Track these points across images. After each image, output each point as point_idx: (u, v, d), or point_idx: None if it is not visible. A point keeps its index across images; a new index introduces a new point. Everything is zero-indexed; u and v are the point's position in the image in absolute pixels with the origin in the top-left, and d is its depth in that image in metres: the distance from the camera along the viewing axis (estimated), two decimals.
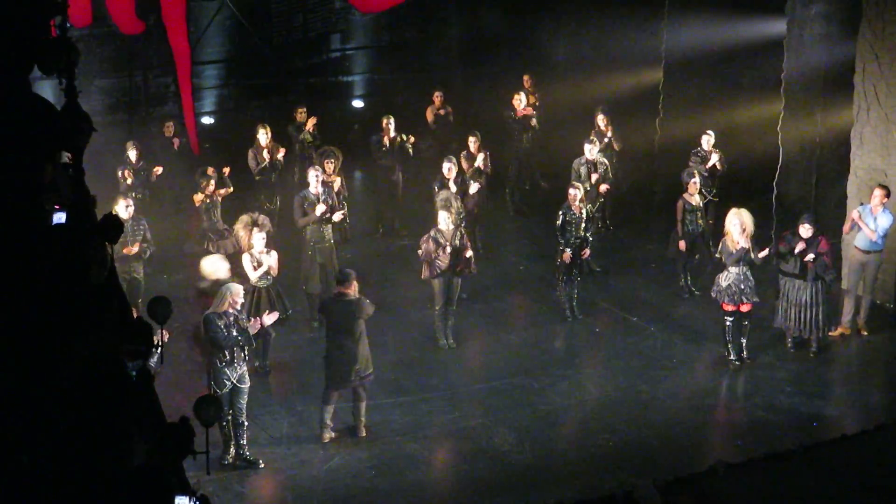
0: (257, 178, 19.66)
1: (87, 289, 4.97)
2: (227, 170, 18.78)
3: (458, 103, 23.59)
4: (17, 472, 4.73)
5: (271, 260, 15.19)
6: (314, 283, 16.72)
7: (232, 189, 18.27)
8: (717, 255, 16.85)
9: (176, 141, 21.06)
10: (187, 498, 5.38)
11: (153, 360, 12.00)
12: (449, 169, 18.42)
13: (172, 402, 12.04)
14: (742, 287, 15.52)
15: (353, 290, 13.69)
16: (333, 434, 13.59)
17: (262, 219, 15.67)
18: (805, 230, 15.67)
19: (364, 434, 13.73)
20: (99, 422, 4.90)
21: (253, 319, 13.31)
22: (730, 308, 15.66)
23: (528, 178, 23.11)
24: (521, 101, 22.26)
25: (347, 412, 14.07)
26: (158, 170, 19.59)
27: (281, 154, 19.91)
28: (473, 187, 18.64)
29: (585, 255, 17.30)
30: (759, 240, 16.02)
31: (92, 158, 5.66)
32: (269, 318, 13.74)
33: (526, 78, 23.71)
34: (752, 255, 15.50)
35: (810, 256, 15.56)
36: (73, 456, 4.84)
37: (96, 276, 5.02)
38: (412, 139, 20.82)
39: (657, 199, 21.84)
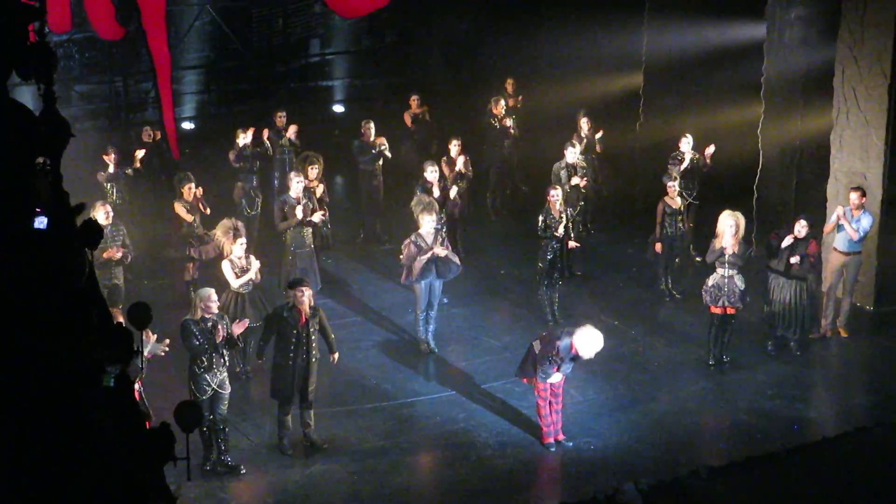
0: (239, 164, 19.56)
1: (65, 295, 4.95)
2: (199, 191, 18.30)
3: (438, 108, 23.61)
4: None
5: (254, 267, 15.13)
6: None
7: (208, 210, 17.95)
8: (698, 259, 16.88)
9: (157, 133, 21.00)
10: None
11: (136, 366, 11.98)
12: (432, 172, 18.41)
13: (153, 407, 12.09)
14: (724, 290, 15.53)
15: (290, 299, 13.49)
16: (289, 446, 13.49)
17: (241, 225, 15.65)
18: (800, 227, 15.70)
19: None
20: (75, 429, 4.88)
21: (220, 326, 13.16)
22: (713, 310, 15.69)
23: (508, 182, 23.14)
24: (500, 106, 22.30)
25: (327, 418, 14.10)
26: (140, 153, 19.45)
27: (265, 134, 19.90)
28: (453, 191, 18.63)
29: (571, 246, 17.27)
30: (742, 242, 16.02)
31: (71, 164, 5.64)
32: (238, 328, 13.52)
33: (509, 81, 23.76)
34: (739, 260, 15.50)
35: (796, 259, 15.58)
36: (49, 462, 4.82)
37: (75, 282, 5.00)
38: (384, 141, 20.72)
39: (638, 202, 21.89)
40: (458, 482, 12.96)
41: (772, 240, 16.11)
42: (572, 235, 17.40)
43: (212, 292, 13.24)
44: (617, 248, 20.78)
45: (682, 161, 19.12)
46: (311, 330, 13.36)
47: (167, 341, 12.81)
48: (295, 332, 13.25)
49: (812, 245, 15.87)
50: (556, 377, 13.35)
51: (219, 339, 12.95)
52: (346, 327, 17.13)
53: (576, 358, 13.23)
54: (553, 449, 13.58)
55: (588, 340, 13.05)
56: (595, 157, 21.18)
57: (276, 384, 13.40)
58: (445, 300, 17.27)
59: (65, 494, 4.86)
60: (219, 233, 15.51)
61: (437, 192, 18.12)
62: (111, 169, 19.02)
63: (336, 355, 13.89)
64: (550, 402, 13.54)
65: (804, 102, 19.14)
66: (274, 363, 13.43)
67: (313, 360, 13.37)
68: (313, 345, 13.37)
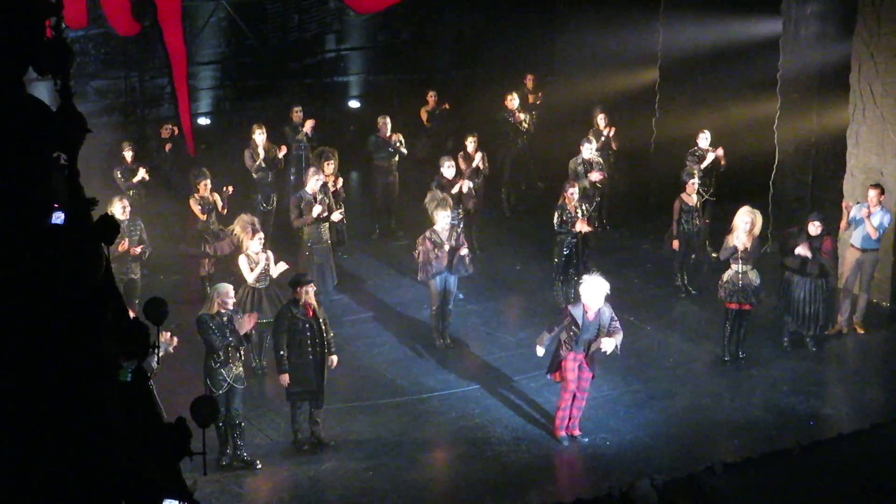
0: (255, 175, 19.59)
1: (82, 290, 4.96)
2: (229, 189, 18.45)
3: (453, 104, 23.60)
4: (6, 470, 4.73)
5: (262, 260, 15.14)
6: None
7: (225, 210, 17.92)
8: (713, 255, 16.83)
9: (168, 146, 21.08)
10: (177, 502, 5.37)
11: (152, 361, 12.02)
12: (449, 168, 18.40)
13: (169, 403, 12.12)
14: (739, 286, 15.51)
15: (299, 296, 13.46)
16: (304, 441, 13.54)
17: (256, 221, 15.67)
18: (814, 227, 15.70)
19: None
20: (91, 423, 4.90)
21: (239, 319, 13.18)
22: (728, 306, 15.67)
23: (524, 178, 23.12)
24: (514, 102, 22.27)
25: (342, 413, 14.13)
26: (143, 173, 19.44)
27: (282, 153, 19.85)
28: (465, 185, 18.59)
29: (585, 231, 17.22)
30: (757, 239, 15.99)
31: (88, 160, 5.66)
32: (249, 322, 13.47)
33: (529, 77, 23.74)
34: (750, 253, 15.48)
35: (806, 251, 15.56)
36: (64, 457, 4.83)
37: (92, 277, 5.02)
38: (401, 137, 20.73)
39: (653, 198, 21.86)
40: (472, 478, 12.97)
41: (786, 238, 16.11)
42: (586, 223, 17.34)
43: (230, 288, 13.26)
44: (632, 243, 20.75)
45: (703, 159, 19.11)
46: (321, 321, 13.43)
47: (176, 340, 12.77)
48: (308, 325, 13.27)
49: (827, 242, 15.84)
50: (569, 362, 13.43)
51: (242, 331, 13.00)
52: (361, 323, 17.16)
53: (591, 326, 13.41)
54: (565, 444, 13.61)
55: (590, 287, 13.44)
56: (611, 153, 21.16)
57: (295, 383, 13.34)
58: (461, 296, 17.27)
59: (80, 489, 4.87)
60: (237, 228, 15.53)
61: (455, 189, 18.12)
62: (137, 178, 19.07)
63: (335, 358, 13.67)
64: (575, 397, 13.60)
65: (820, 98, 19.10)
66: (289, 363, 13.39)
67: (326, 352, 13.39)
68: (324, 337, 13.42)
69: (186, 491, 5.60)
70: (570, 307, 13.65)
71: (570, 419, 13.76)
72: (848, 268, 16.75)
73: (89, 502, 4.86)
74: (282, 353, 13.23)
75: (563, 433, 13.71)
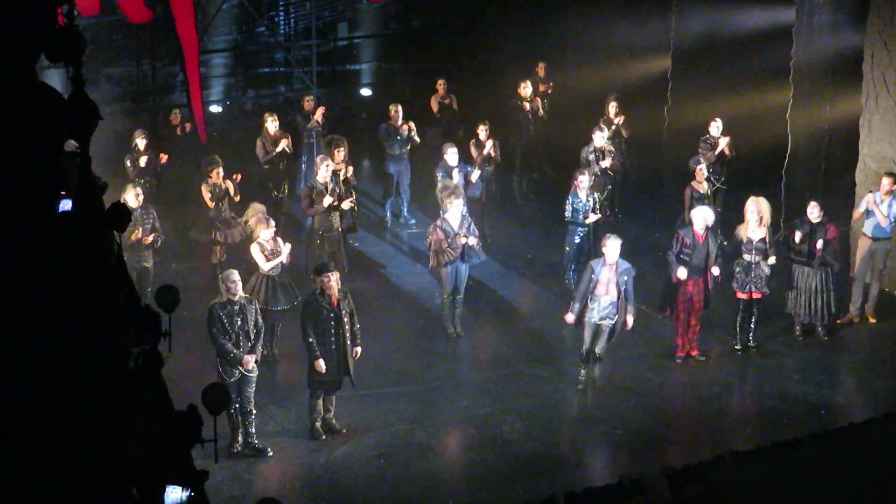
0: (266, 166, 19.60)
1: (93, 277, 4.97)
2: (238, 176, 18.39)
3: (465, 92, 23.56)
4: (12, 460, 4.74)
5: (284, 250, 15.15)
6: None
7: (238, 198, 17.88)
8: (726, 243, 16.85)
9: (187, 126, 21.02)
10: (180, 488, 5.37)
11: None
12: (453, 155, 18.39)
13: (181, 390, 12.15)
14: (752, 276, 15.52)
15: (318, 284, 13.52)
16: (321, 430, 13.55)
17: (265, 211, 15.69)
18: (811, 212, 15.69)
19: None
20: (100, 412, 4.91)
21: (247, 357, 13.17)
22: (740, 295, 15.68)
23: (535, 166, 23.08)
24: (527, 90, 22.22)
25: (353, 401, 14.15)
26: (164, 157, 19.52)
27: (288, 142, 19.81)
28: (475, 174, 18.59)
29: (592, 220, 17.29)
30: (769, 228, 15.96)
31: (100, 147, 5.66)
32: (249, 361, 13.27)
33: (540, 66, 23.68)
34: (766, 246, 15.49)
35: (820, 243, 15.57)
36: (72, 445, 4.84)
37: (103, 265, 5.02)
38: (412, 125, 20.68)
39: (666, 186, 21.82)
40: (483, 466, 13.00)
41: (788, 234, 16.13)
42: (597, 212, 17.33)
43: (233, 272, 13.29)
44: (644, 232, 20.70)
45: (714, 146, 19.06)
46: (343, 312, 13.39)
47: None
48: (332, 315, 13.28)
49: (831, 229, 15.83)
50: (682, 272, 15.28)
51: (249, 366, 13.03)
52: (372, 311, 17.13)
53: (702, 248, 15.36)
54: (678, 361, 15.51)
55: (698, 214, 15.55)
56: (621, 141, 21.11)
57: (317, 372, 13.36)
58: (472, 284, 17.25)
59: (90, 476, 4.88)
60: (252, 219, 15.56)
61: (456, 176, 18.09)
62: (141, 163, 19.01)
63: (358, 349, 13.71)
64: (690, 324, 15.51)
65: (833, 87, 19.05)
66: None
67: (349, 341, 13.39)
68: (346, 326, 13.39)
69: (197, 478, 5.60)
70: (682, 232, 15.57)
71: (689, 343, 15.57)
72: (860, 257, 16.73)
73: (100, 490, 4.88)
74: (311, 339, 13.27)
75: (682, 353, 15.56)
